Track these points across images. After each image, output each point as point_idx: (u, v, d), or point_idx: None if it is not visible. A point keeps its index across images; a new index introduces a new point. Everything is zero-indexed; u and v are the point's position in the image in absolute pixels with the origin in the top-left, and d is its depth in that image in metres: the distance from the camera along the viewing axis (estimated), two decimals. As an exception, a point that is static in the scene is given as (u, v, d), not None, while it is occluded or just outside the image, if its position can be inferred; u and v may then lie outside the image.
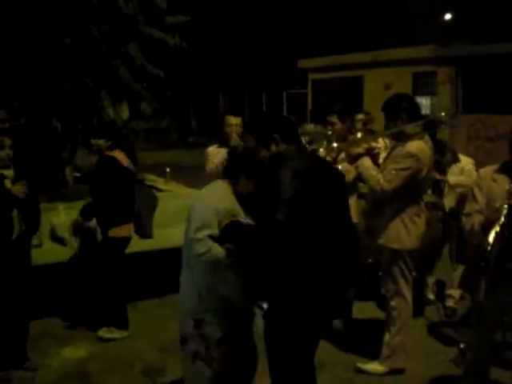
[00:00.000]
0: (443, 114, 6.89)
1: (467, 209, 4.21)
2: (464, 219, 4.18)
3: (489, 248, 3.76)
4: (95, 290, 6.18)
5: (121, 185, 6.02)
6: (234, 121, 6.52)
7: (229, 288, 3.77)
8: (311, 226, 3.32)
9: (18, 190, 5.02)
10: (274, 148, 3.56)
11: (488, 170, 4.20)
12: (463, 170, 6.65)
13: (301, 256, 3.30)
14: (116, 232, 5.98)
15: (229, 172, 4.04)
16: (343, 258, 3.50)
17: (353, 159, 5.48)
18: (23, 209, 5.11)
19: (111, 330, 6.10)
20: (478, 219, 3.99)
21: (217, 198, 3.84)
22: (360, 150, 5.35)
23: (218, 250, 3.68)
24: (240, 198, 3.88)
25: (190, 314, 3.87)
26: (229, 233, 3.64)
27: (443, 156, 6.61)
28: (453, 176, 6.62)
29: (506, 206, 3.79)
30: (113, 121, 9.18)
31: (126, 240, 6.11)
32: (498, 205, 3.81)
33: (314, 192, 3.36)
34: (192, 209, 3.90)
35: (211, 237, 3.69)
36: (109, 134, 6.11)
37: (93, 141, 6.04)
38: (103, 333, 6.08)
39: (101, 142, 5.99)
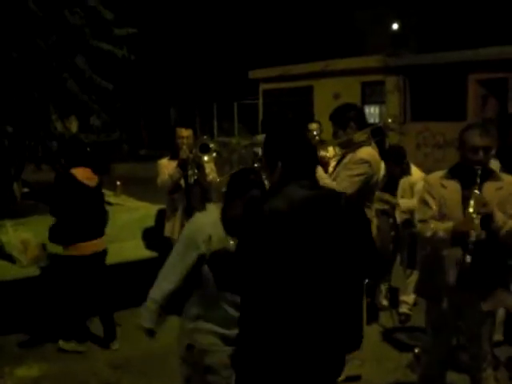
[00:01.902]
0: (390, 120, 6.91)
1: (421, 215, 4.19)
2: (420, 226, 4.16)
3: (469, 260, 3.81)
4: (53, 307, 6.07)
5: (76, 202, 5.93)
6: (184, 133, 6.53)
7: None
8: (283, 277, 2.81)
9: None
10: (275, 177, 3.00)
11: (436, 177, 4.23)
12: (413, 187, 6.57)
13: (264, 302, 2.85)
14: (71, 250, 5.91)
15: (226, 194, 3.75)
16: (328, 319, 2.88)
17: None
18: None
19: (71, 343, 6.04)
20: (443, 227, 3.98)
21: (203, 221, 3.75)
22: None
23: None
24: (228, 221, 3.68)
25: (183, 337, 3.84)
26: (214, 262, 3.38)
27: (398, 164, 6.62)
28: (402, 191, 6.63)
29: (476, 215, 3.82)
30: (61, 135, 9.04)
31: (82, 258, 5.95)
32: (470, 212, 3.83)
33: (288, 242, 2.79)
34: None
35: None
36: (66, 154, 6.09)
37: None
38: (64, 344, 6.02)
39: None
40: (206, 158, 6.34)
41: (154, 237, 7.29)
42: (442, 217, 4.06)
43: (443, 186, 4.12)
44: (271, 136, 3.17)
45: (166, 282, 3.75)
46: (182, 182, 6.42)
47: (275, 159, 2.96)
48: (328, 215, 2.89)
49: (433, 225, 4.04)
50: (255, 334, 2.90)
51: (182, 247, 3.73)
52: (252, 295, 2.89)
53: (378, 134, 5.56)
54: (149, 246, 7.31)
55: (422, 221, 4.14)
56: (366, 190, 4.98)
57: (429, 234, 4.05)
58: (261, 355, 2.88)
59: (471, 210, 3.85)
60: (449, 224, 3.97)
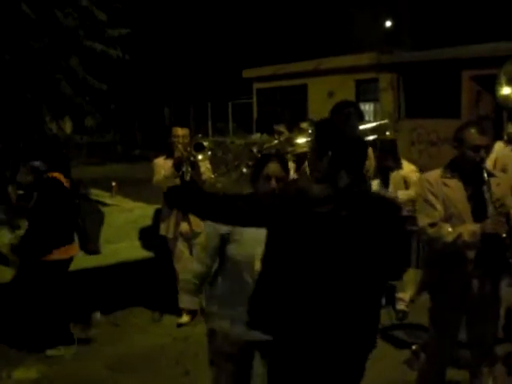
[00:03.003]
0: (387, 120, 6.94)
1: (428, 219, 4.05)
2: (433, 230, 4.00)
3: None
4: (38, 311, 6.02)
5: (65, 208, 5.86)
6: (180, 132, 6.55)
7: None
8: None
9: None
10: (322, 165, 2.92)
11: (436, 176, 4.17)
12: (407, 179, 6.63)
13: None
14: (58, 255, 5.84)
15: (252, 173, 3.84)
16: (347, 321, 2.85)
17: (300, 158, 5.56)
18: None
19: (59, 348, 5.99)
20: (467, 230, 3.90)
21: None
22: (306, 148, 5.40)
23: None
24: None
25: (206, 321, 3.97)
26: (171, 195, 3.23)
27: (393, 156, 6.66)
28: (395, 184, 6.65)
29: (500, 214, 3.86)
30: (54, 137, 9.03)
31: (65, 262, 5.95)
32: (494, 212, 3.85)
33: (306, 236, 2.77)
34: None
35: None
36: (46, 156, 5.94)
37: (31, 163, 5.86)
38: (51, 352, 5.96)
39: (38, 163, 5.83)
40: (200, 157, 6.34)
41: (150, 237, 7.29)
42: (448, 217, 4.00)
43: (445, 184, 4.08)
44: (327, 125, 3.12)
45: (196, 263, 3.92)
46: (178, 180, 6.42)
47: (326, 148, 2.90)
48: (361, 216, 2.84)
49: (450, 228, 3.95)
50: (279, 325, 2.89)
51: (207, 234, 3.89)
52: (276, 280, 2.88)
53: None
54: (145, 247, 7.31)
55: (433, 224, 4.01)
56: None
57: (450, 238, 3.92)
58: (287, 347, 2.90)
59: (491, 209, 3.89)
60: (472, 227, 3.91)
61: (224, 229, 3.70)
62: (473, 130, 4.01)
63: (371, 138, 5.38)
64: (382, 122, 6.11)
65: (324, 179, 2.88)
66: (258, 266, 3.49)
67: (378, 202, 2.96)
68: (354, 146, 2.94)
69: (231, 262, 3.74)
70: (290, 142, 5.78)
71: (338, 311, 2.80)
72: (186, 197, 3.06)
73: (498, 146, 6.55)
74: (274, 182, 3.63)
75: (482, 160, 3.99)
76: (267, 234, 2.90)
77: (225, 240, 3.72)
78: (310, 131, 6.75)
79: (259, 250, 3.39)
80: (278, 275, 2.83)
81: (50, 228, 5.79)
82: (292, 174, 5.79)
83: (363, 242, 2.80)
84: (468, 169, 4.04)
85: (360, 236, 2.80)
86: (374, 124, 5.32)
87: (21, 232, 6.58)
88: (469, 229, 3.90)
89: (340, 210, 2.75)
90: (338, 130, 2.99)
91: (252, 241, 3.56)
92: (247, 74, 22.12)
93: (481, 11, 20.18)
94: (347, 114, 5.05)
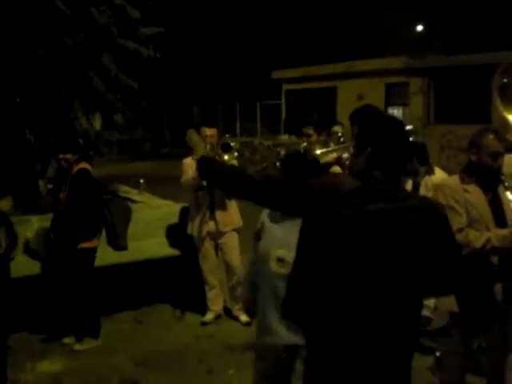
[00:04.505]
0: (411, 126, 6.88)
1: (454, 225, 3.73)
2: (459, 236, 3.86)
3: None
4: (67, 302, 6.12)
5: (97, 197, 6.11)
6: (208, 132, 6.54)
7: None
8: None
9: (5, 204, 5.07)
10: (360, 160, 2.80)
11: (456, 181, 4.17)
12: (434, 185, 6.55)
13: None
14: (89, 243, 6.01)
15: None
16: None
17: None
18: (8, 223, 5.13)
19: (85, 341, 6.09)
20: (495, 235, 3.89)
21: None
22: (329, 158, 5.39)
23: None
24: None
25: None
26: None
27: (422, 163, 6.59)
28: (425, 190, 6.59)
29: None
30: (85, 132, 9.14)
31: (95, 250, 6.14)
32: None
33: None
34: None
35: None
36: (75, 148, 6.09)
37: (61, 155, 5.97)
38: (78, 346, 6.05)
39: (68, 156, 5.95)
40: (226, 157, 6.34)
41: (177, 235, 7.33)
42: (470, 222, 3.98)
43: (466, 190, 4.06)
44: (373, 120, 2.94)
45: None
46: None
47: (366, 143, 2.77)
48: (394, 214, 2.66)
49: (477, 233, 3.92)
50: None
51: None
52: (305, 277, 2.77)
53: None
54: (171, 244, 7.35)
55: (460, 230, 3.93)
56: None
57: (479, 244, 3.88)
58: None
59: (482, 213, 3.90)
60: (501, 231, 3.89)
61: (259, 224, 3.81)
62: (491, 137, 3.98)
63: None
64: (407, 127, 6.08)
65: (359, 175, 2.76)
66: (273, 266, 3.55)
67: (417, 202, 2.77)
68: (396, 146, 2.77)
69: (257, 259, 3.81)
70: (310, 152, 5.77)
71: (370, 307, 2.64)
72: (220, 168, 3.08)
73: None
74: None
75: (500, 167, 3.96)
76: (302, 224, 2.80)
77: (258, 236, 3.81)
78: (339, 134, 6.79)
79: (274, 251, 3.46)
80: (311, 267, 2.73)
81: (84, 216, 5.96)
82: None
83: (396, 241, 2.65)
84: (485, 175, 4.03)
85: (392, 234, 2.64)
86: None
87: (39, 226, 6.72)
88: (498, 233, 3.88)
89: (365, 205, 2.63)
90: (381, 127, 2.82)
91: (270, 240, 3.62)
92: (276, 75, 22.16)
93: (514, 17, 19.97)
94: None
